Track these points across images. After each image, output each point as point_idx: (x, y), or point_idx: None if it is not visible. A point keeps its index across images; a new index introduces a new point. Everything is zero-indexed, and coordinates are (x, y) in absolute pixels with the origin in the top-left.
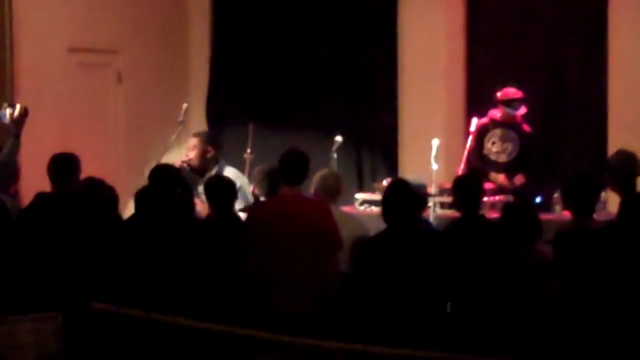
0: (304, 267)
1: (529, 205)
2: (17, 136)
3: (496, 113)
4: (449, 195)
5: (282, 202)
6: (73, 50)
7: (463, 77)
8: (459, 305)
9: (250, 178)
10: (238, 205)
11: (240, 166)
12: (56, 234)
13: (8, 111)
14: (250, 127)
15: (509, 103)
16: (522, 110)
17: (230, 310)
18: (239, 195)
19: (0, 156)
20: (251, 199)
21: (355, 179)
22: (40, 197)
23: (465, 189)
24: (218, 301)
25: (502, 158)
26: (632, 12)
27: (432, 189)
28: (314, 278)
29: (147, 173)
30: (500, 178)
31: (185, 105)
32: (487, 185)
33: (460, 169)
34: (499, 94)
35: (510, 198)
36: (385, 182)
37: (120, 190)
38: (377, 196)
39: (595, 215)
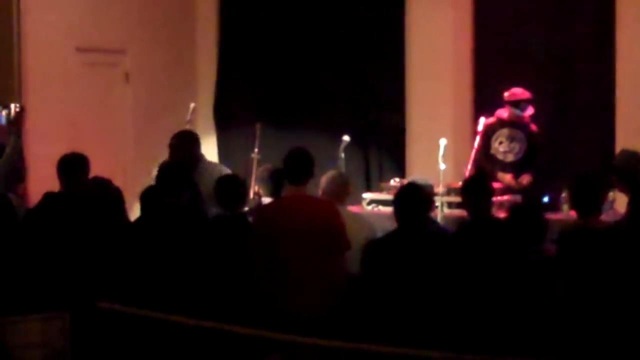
0: (311, 268)
1: (535, 205)
2: (17, 135)
3: (503, 113)
4: (456, 195)
5: (288, 202)
6: (81, 50)
7: (470, 77)
8: (468, 306)
9: (255, 178)
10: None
11: (247, 166)
12: (64, 234)
13: (4, 112)
14: (258, 126)
15: (516, 104)
16: (530, 110)
17: (237, 310)
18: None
19: (3, 156)
20: None
21: (363, 179)
22: (48, 197)
23: (475, 191)
24: (225, 301)
25: (509, 158)
26: None
27: (439, 189)
28: (322, 278)
29: (154, 173)
30: (507, 178)
31: (192, 105)
32: (494, 185)
33: (468, 169)
34: (506, 94)
35: (517, 198)
36: (392, 182)
37: (127, 190)
38: (384, 196)
39: (603, 216)
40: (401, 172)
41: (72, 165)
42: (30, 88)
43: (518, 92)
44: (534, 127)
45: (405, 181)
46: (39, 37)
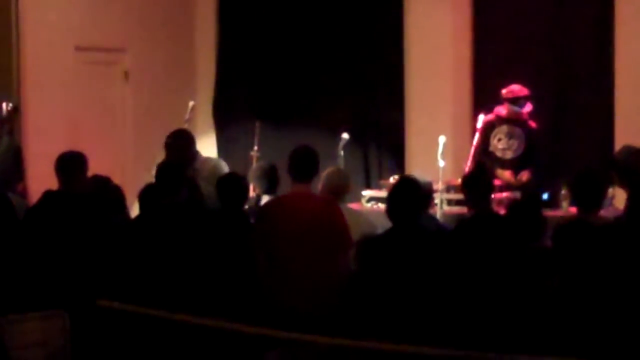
0: (314, 266)
1: (534, 202)
2: (10, 133)
3: (502, 110)
4: (455, 192)
5: (292, 200)
6: (80, 48)
7: (469, 74)
8: (466, 302)
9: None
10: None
11: (246, 164)
12: (63, 232)
13: None
14: (257, 125)
15: (514, 100)
16: (528, 107)
17: (238, 308)
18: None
19: None
20: None
21: (362, 176)
22: (47, 195)
23: (475, 186)
24: (225, 299)
25: (508, 155)
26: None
27: (439, 186)
28: (324, 276)
29: (154, 171)
30: (506, 174)
31: (191, 103)
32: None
33: (467, 166)
34: (504, 91)
35: (516, 194)
36: (392, 179)
37: (127, 188)
38: (384, 193)
39: (602, 211)
40: (400, 169)
41: (71, 164)
42: (29, 87)
43: (516, 89)
44: (532, 124)
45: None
46: (38, 36)
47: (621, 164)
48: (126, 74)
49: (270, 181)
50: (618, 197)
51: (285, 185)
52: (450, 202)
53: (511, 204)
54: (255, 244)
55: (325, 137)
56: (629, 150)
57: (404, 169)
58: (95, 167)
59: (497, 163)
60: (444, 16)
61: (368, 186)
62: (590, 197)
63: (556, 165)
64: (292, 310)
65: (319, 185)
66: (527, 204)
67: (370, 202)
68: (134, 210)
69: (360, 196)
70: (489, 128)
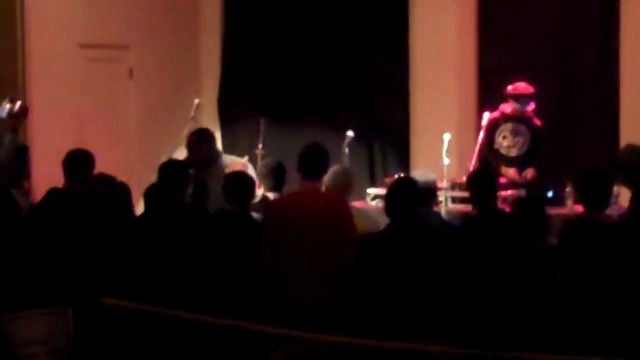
0: (321, 262)
1: (538, 199)
2: (14, 131)
3: (507, 107)
4: (460, 189)
5: (300, 197)
6: (84, 45)
7: (474, 72)
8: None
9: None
10: None
11: (251, 162)
12: (68, 230)
13: (8, 106)
14: (262, 122)
15: (518, 98)
16: (531, 106)
17: (244, 305)
18: None
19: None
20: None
21: (367, 174)
22: (52, 193)
23: (481, 184)
24: (231, 296)
25: (513, 152)
26: None
27: (443, 184)
28: (331, 273)
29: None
30: (511, 172)
31: (196, 101)
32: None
33: (472, 163)
34: (509, 88)
35: (521, 192)
36: (397, 177)
37: (132, 186)
38: None
39: (607, 210)
40: (405, 167)
41: (78, 162)
42: (34, 84)
43: (521, 86)
44: (537, 121)
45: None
46: (43, 33)
47: (624, 163)
48: (131, 71)
49: (276, 179)
50: (623, 196)
51: (291, 183)
52: (454, 200)
53: (516, 202)
54: (262, 241)
55: (330, 134)
56: (633, 149)
57: (408, 166)
58: (99, 165)
59: (501, 160)
60: (449, 14)
61: (373, 184)
62: (597, 196)
63: (561, 163)
64: (299, 307)
65: (324, 183)
66: (531, 202)
67: (374, 199)
68: (140, 208)
69: (365, 194)
70: (493, 125)
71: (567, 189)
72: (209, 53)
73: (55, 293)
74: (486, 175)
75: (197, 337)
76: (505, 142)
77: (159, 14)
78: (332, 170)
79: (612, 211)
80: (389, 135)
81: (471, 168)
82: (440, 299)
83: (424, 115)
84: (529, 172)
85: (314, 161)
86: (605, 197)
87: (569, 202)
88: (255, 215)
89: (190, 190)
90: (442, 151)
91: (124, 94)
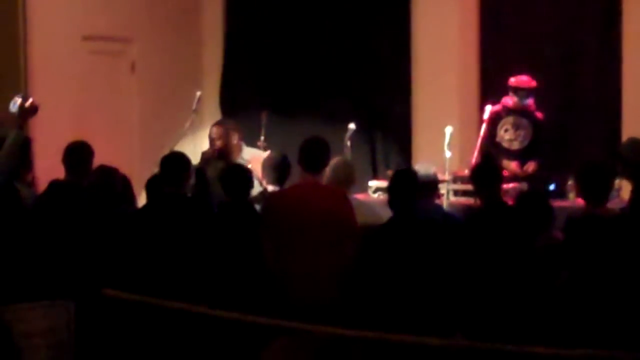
0: (320, 255)
1: (541, 192)
2: (21, 127)
3: (509, 100)
4: (462, 182)
5: (300, 190)
6: (86, 38)
7: (476, 65)
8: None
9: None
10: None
11: None
12: (69, 222)
13: (19, 101)
14: (264, 115)
15: (517, 91)
16: (530, 101)
17: (244, 297)
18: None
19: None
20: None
21: (369, 167)
22: (54, 185)
23: (484, 177)
24: (233, 289)
25: (515, 145)
26: None
27: (445, 177)
28: (330, 266)
29: None
30: (513, 165)
31: (198, 94)
32: None
33: (474, 156)
34: (512, 80)
35: (523, 185)
36: (397, 170)
37: (134, 179)
38: None
39: (608, 203)
40: (407, 160)
41: (79, 154)
42: (36, 76)
43: (523, 80)
44: (539, 115)
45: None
46: (45, 25)
47: (626, 156)
48: (133, 64)
49: (279, 173)
50: (624, 189)
51: (294, 176)
52: (456, 193)
53: (518, 195)
54: (263, 234)
55: (332, 127)
56: (634, 143)
57: (410, 159)
58: (101, 157)
59: (503, 154)
60: (451, 7)
61: (375, 177)
62: (597, 190)
63: (563, 156)
64: (298, 300)
65: (324, 175)
66: (535, 195)
67: (376, 192)
68: (142, 201)
69: (367, 187)
70: (495, 119)
71: (569, 182)
72: (211, 46)
73: (57, 285)
74: (490, 168)
75: (198, 330)
76: (507, 135)
77: (161, 7)
78: (334, 162)
79: (613, 205)
80: (391, 128)
81: (473, 161)
82: (444, 291)
83: (426, 108)
84: (531, 166)
85: (314, 154)
86: (605, 191)
87: (571, 195)
88: (257, 207)
89: (191, 182)
90: (444, 144)
91: (126, 86)
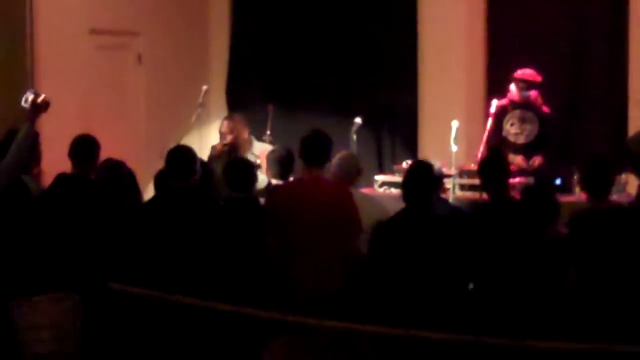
0: (324, 250)
1: (547, 186)
2: (32, 123)
3: (515, 94)
4: (468, 177)
5: (303, 184)
6: (93, 32)
7: (483, 59)
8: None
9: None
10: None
11: None
12: (75, 215)
13: (31, 97)
14: (270, 108)
15: (519, 83)
16: (532, 94)
17: (248, 291)
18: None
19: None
20: None
21: (375, 161)
22: (60, 178)
23: (492, 171)
24: (238, 282)
25: (521, 139)
26: None
27: (452, 171)
28: (334, 260)
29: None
30: (518, 159)
31: (205, 87)
32: None
33: (480, 151)
34: (518, 72)
35: (529, 180)
36: (405, 164)
37: (140, 172)
38: (396, 178)
39: (615, 197)
40: (413, 154)
41: (86, 147)
42: (42, 70)
43: (527, 72)
44: (545, 109)
45: None
46: (52, 19)
47: (632, 151)
48: (139, 58)
49: (283, 167)
50: (631, 184)
51: (298, 171)
52: (463, 187)
53: (524, 189)
54: (266, 228)
55: (338, 121)
56: None
57: (416, 153)
58: (108, 150)
59: (509, 148)
60: (458, 1)
61: (381, 171)
62: (598, 184)
63: (569, 151)
64: (302, 294)
65: (330, 169)
66: (540, 189)
67: (382, 186)
68: (148, 194)
69: (373, 181)
70: (502, 113)
71: (575, 177)
72: (218, 40)
73: (64, 279)
74: (497, 162)
75: (202, 323)
76: (513, 129)
77: (168, 1)
78: (340, 155)
79: (620, 199)
80: (397, 122)
81: (479, 155)
82: (455, 285)
83: (432, 102)
84: (537, 160)
85: (314, 148)
86: (607, 185)
87: (577, 189)
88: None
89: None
90: (450, 138)
91: (133, 80)
